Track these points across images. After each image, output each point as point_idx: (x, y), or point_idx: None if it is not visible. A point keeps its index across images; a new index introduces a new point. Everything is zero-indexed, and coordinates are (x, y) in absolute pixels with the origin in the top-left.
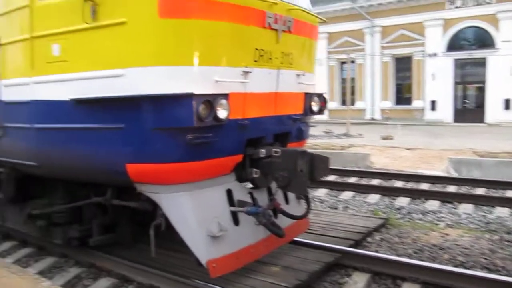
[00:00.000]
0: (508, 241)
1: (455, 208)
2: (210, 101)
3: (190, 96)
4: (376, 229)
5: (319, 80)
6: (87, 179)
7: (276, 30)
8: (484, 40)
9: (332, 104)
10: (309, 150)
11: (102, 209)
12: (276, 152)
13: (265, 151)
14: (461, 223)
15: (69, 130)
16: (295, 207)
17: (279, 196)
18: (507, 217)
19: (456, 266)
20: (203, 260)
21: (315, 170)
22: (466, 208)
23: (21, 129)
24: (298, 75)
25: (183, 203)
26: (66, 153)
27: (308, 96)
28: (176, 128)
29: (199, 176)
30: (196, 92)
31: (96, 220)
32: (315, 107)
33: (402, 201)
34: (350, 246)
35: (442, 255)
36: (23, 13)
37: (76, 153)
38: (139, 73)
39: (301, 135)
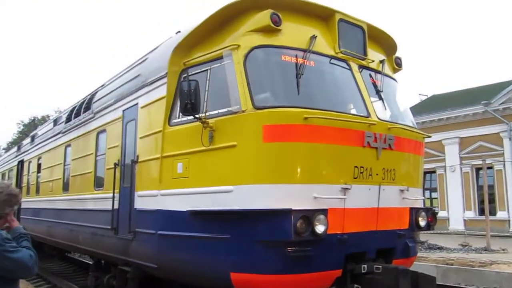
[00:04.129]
0: None
1: None
2: (308, 216)
3: (288, 212)
4: None
5: (453, 188)
6: (197, 283)
7: (376, 148)
8: None
9: (468, 214)
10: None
11: None
12: (377, 268)
13: (367, 267)
14: None
15: (185, 238)
16: None
17: None
18: None
19: None
20: None
21: None
22: None
23: (147, 234)
24: (401, 190)
25: None
26: (180, 257)
27: (414, 211)
28: (276, 241)
29: None
30: (294, 208)
31: None
32: (422, 222)
33: None
34: None
35: None
36: (157, 137)
37: (189, 258)
38: (245, 190)
39: (408, 252)
